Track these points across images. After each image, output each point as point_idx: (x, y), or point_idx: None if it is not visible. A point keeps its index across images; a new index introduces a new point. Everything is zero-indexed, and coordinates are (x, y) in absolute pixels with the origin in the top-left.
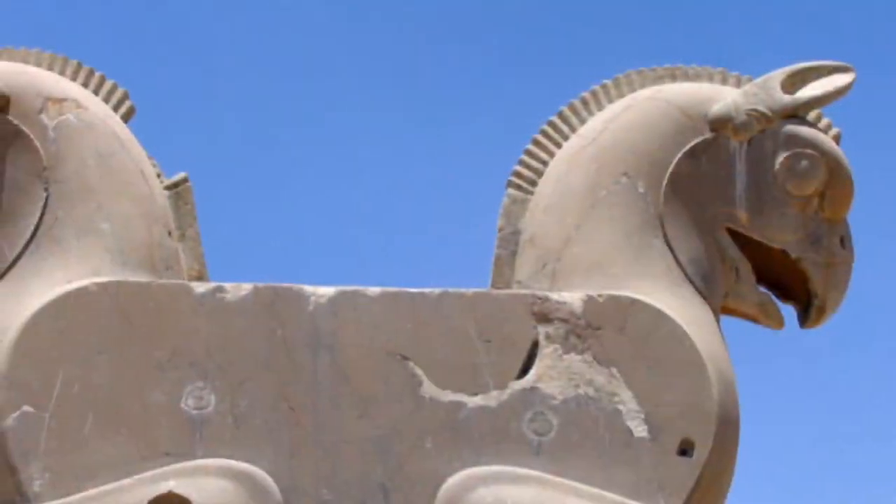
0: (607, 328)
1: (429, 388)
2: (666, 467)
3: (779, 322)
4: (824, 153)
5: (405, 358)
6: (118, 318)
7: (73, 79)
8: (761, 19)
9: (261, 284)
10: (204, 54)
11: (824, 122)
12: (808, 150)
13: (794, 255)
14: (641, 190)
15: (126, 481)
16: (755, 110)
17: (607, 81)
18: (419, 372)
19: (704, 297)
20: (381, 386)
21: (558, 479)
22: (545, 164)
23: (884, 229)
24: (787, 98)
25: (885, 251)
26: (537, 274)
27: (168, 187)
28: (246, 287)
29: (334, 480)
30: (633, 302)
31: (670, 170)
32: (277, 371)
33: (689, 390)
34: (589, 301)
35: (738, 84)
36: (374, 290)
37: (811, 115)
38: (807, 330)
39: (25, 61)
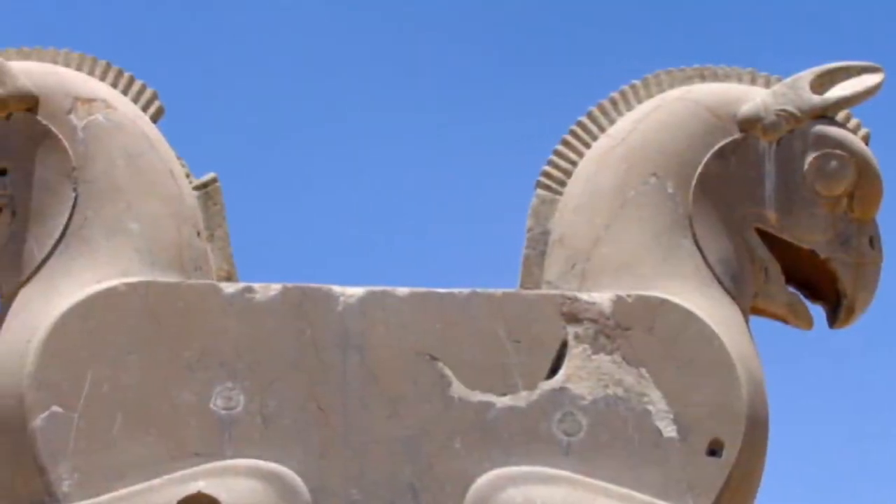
0: (636, 328)
1: (458, 389)
2: (695, 467)
3: (808, 322)
4: (853, 153)
5: (434, 358)
6: (147, 319)
7: (102, 79)
8: (790, 19)
9: (290, 285)
10: (233, 55)
11: (853, 122)
12: (838, 151)
13: (823, 256)
14: (670, 190)
15: (155, 481)
16: (784, 110)
17: (636, 81)
18: (448, 372)
19: (733, 298)
20: (410, 386)
21: (588, 480)
22: (574, 164)
23: None
24: (816, 98)
25: None
26: (566, 274)
27: (197, 187)
28: (275, 287)
29: (363, 481)
30: (663, 302)
31: (699, 170)
32: (306, 371)
33: (718, 390)
34: (618, 301)
35: (767, 84)
36: (402, 290)
37: (840, 116)
38: (836, 330)
39: (54, 62)
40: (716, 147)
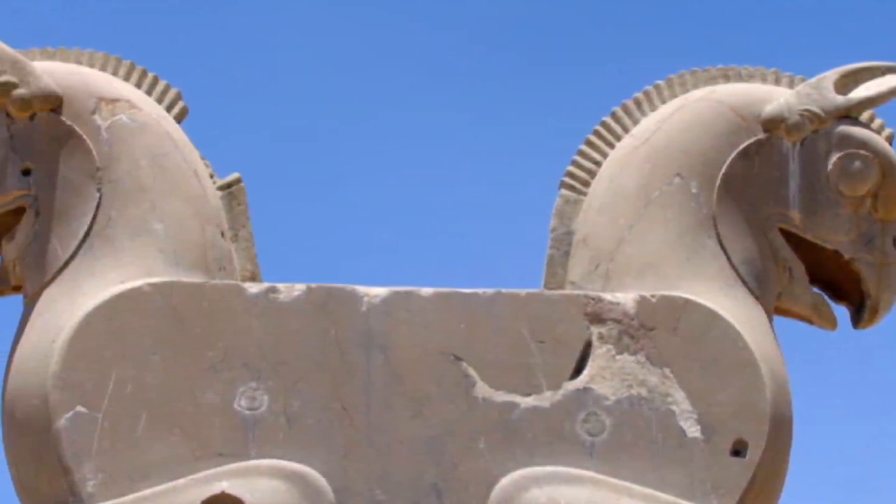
0: (660, 329)
1: (482, 389)
2: (719, 468)
3: (832, 322)
4: (877, 154)
5: (458, 358)
6: (171, 319)
7: (127, 79)
8: (815, 20)
9: (314, 285)
10: (258, 56)
11: (877, 122)
12: (862, 151)
13: (847, 256)
14: (695, 190)
15: (179, 482)
16: (808, 111)
17: (660, 82)
18: (472, 372)
19: (757, 298)
20: (433, 386)
21: (612, 480)
22: (598, 164)
23: None
24: (840, 98)
25: None
26: (590, 274)
27: (221, 188)
28: (299, 287)
29: (387, 481)
30: (687, 302)
31: (723, 170)
32: (330, 371)
33: (742, 390)
34: (642, 301)
35: (791, 84)
36: (426, 290)
37: (864, 116)
38: (860, 330)
39: (78, 62)
40: (740, 147)
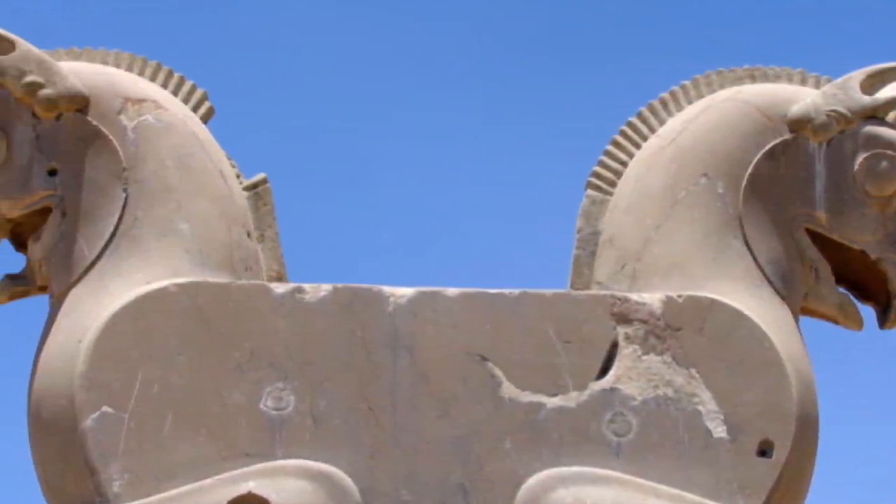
0: (687, 329)
1: (508, 389)
2: (745, 468)
3: (858, 323)
4: None
5: (484, 359)
6: (197, 319)
7: (153, 80)
8: (841, 20)
9: (340, 285)
10: (284, 56)
11: None
12: (888, 151)
13: (873, 256)
14: (721, 190)
15: (205, 482)
16: (834, 111)
17: (686, 82)
18: (498, 372)
19: (783, 298)
20: (460, 387)
21: (638, 480)
22: (624, 164)
23: None
24: (866, 99)
25: None
26: (617, 274)
27: (247, 188)
28: (325, 288)
29: (413, 481)
30: (713, 302)
31: (750, 170)
32: (357, 372)
33: (768, 391)
34: (668, 302)
35: (818, 85)
36: (452, 290)
37: (890, 116)
38: (886, 330)
39: (104, 62)
40: (766, 147)
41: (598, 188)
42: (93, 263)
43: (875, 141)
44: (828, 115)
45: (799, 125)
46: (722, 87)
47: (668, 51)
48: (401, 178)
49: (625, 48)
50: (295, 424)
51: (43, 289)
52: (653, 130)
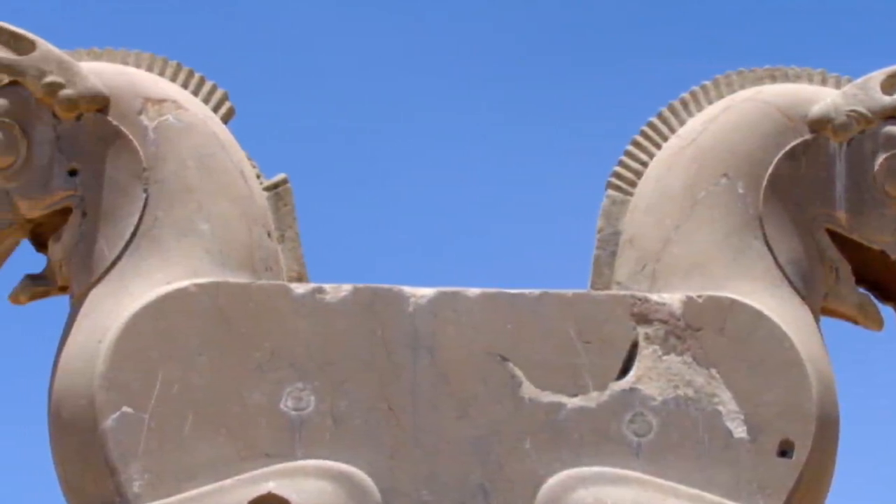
0: (707, 329)
1: (528, 389)
2: (765, 468)
3: (878, 323)
4: None
5: (504, 359)
6: (218, 320)
7: (173, 80)
8: (861, 19)
9: (360, 285)
10: (304, 56)
11: None
12: None
13: (893, 256)
14: (741, 191)
15: (225, 482)
16: (855, 111)
17: (707, 82)
18: (519, 373)
19: (804, 298)
20: (480, 387)
21: (658, 480)
22: (645, 164)
23: None
24: (886, 99)
25: None
26: (637, 275)
27: (268, 188)
28: (346, 288)
29: (434, 481)
30: (733, 303)
31: (770, 171)
32: (377, 372)
33: (788, 391)
34: (688, 302)
35: (838, 85)
36: (473, 290)
37: None
38: None
39: (125, 62)
40: (787, 148)
41: (618, 188)
42: (113, 264)
43: (895, 141)
44: (848, 116)
45: (819, 125)
46: (742, 87)
47: (689, 51)
48: (421, 179)
49: (646, 48)
50: (315, 425)
51: (63, 289)
52: (673, 131)
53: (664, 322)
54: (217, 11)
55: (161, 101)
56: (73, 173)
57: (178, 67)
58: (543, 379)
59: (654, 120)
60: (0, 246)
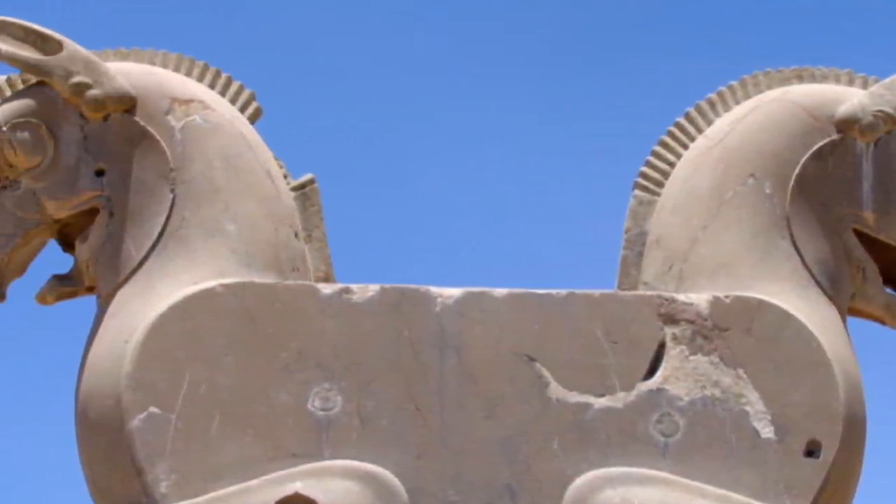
0: (734, 329)
1: (555, 389)
2: (793, 468)
3: None
4: None
5: (532, 359)
6: (244, 320)
7: (200, 80)
8: (888, 20)
9: (387, 285)
10: (331, 56)
11: None
12: None
13: None
14: (768, 191)
15: (252, 482)
16: (882, 111)
17: (734, 83)
18: (546, 373)
19: (831, 298)
20: (507, 387)
21: (685, 481)
22: (672, 165)
23: None
24: None
25: None
26: (664, 275)
27: (295, 188)
28: (373, 288)
29: (461, 482)
30: (760, 303)
31: (797, 171)
32: (404, 372)
33: (815, 391)
34: (715, 302)
35: (865, 85)
36: (500, 291)
37: None
38: None
39: (152, 62)
40: (814, 148)
41: (645, 189)
42: (140, 264)
43: None
44: (875, 116)
45: (846, 125)
46: (769, 87)
47: (717, 52)
48: (448, 179)
49: (674, 49)
50: (342, 425)
51: (90, 289)
52: (700, 131)
53: (691, 322)
54: (246, 11)
55: (188, 101)
56: (99, 173)
57: (206, 67)
58: (570, 379)
59: (681, 120)
60: (27, 246)
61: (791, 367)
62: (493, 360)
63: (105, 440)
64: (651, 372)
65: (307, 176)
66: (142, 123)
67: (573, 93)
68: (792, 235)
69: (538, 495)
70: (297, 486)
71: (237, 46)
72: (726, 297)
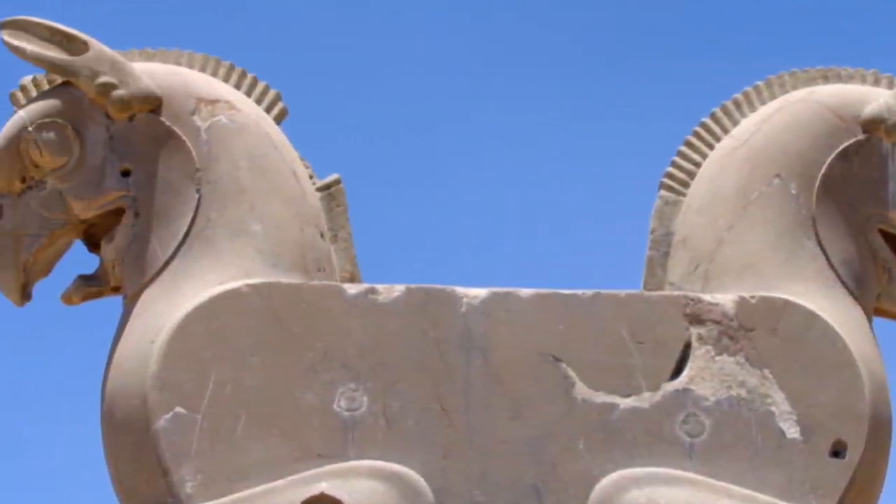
0: (760, 329)
1: (581, 390)
2: (818, 469)
3: None
4: None
5: (557, 359)
6: (270, 320)
7: (226, 80)
8: None
9: (413, 286)
10: (357, 56)
11: None
12: None
13: None
14: (794, 191)
15: (278, 483)
16: None
17: (759, 83)
18: (571, 373)
19: (856, 299)
20: (533, 387)
21: (711, 481)
22: (698, 165)
23: None
24: None
25: None
26: (690, 275)
27: (320, 189)
28: (398, 288)
29: (487, 482)
30: (786, 303)
31: (823, 171)
32: (430, 372)
33: (841, 391)
34: (741, 302)
35: (891, 85)
36: (526, 291)
37: None
38: None
39: (178, 62)
40: (839, 148)
41: (671, 189)
42: (166, 264)
43: None
44: None
45: (872, 126)
46: (795, 87)
47: (742, 52)
48: (474, 179)
49: (699, 49)
50: (368, 425)
51: (116, 289)
52: (726, 131)
53: (717, 322)
54: (273, 12)
55: (214, 101)
56: (125, 174)
57: (231, 68)
58: (596, 379)
59: (707, 120)
60: (52, 246)
61: (817, 368)
62: (519, 360)
63: (131, 440)
64: (677, 372)
65: (333, 176)
66: (167, 123)
67: (600, 93)
68: (818, 236)
69: (564, 496)
70: (323, 487)
71: (263, 46)
72: (752, 297)
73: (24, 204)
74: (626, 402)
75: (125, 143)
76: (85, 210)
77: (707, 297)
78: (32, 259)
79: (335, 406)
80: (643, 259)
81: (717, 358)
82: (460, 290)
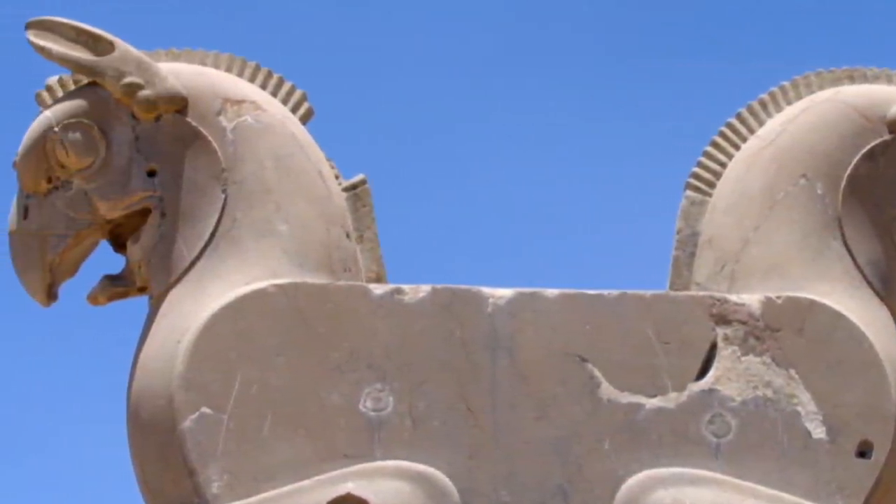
0: (786, 330)
1: (607, 390)
2: (844, 469)
3: None
4: None
5: (583, 359)
6: (296, 320)
7: (252, 80)
8: None
9: (439, 286)
10: (383, 56)
11: None
12: None
13: None
14: (820, 191)
15: (304, 483)
16: None
17: (785, 83)
18: (597, 373)
19: (882, 299)
20: (559, 388)
21: (736, 481)
22: (724, 165)
23: None
24: None
25: None
26: (716, 275)
27: (346, 189)
28: (424, 289)
29: (513, 482)
30: (812, 303)
31: (849, 171)
32: (456, 372)
33: (867, 392)
34: (767, 303)
35: None
36: (552, 291)
37: None
38: None
39: (203, 63)
40: (865, 148)
41: (697, 189)
42: (192, 264)
43: None
44: None
45: None
46: (821, 87)
47: (768, 52)
48: (500, 179)
49: (724, 49)
50: (394, 425)
51: (142, 290)
52: (752, 131)
53: (743, 323)
54: (299, 13)
55: (240, 101)
56: (151, 174)
57: (257, 68)
58: (622, 379)
59: (733, 120)
60: (79, 247)
61: (843, 368)
62: (545, 360)
63: (157, 440)
64: (703, 372)
65: (359, 176)
66: (193, 124)
67: (626, 93)
68: (844, 236)
69: (590, 496)
70: (349, 487)
71: (289, 46)
72: (778, 297)
73: (50, 204)
74: (651, 403)
75: (151, 144)
76: (111, 210)
77: (733, 298)
78: (58, 259)
79: (361, 406)
80: (669, 259)
81: (744, 358)
82: (486, 290)
